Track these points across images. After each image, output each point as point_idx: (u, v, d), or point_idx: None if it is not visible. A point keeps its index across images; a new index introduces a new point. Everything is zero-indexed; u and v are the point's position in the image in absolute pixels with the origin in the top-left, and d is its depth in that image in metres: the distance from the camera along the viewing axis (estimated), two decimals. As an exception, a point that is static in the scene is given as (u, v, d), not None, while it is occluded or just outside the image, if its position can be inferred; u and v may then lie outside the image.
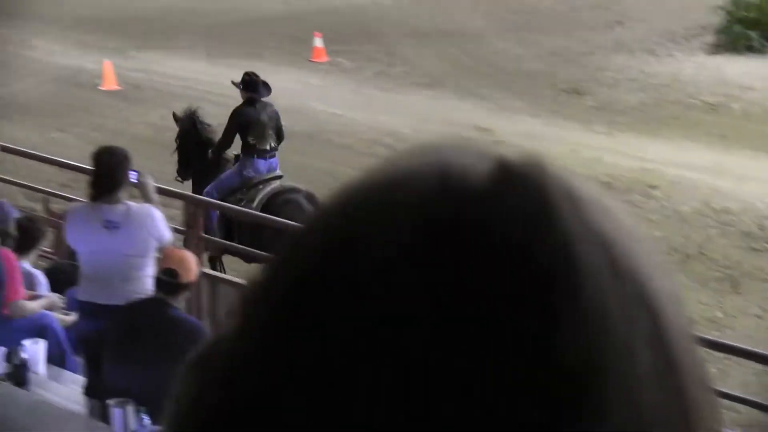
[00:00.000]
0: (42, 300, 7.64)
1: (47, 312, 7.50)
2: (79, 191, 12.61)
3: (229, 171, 10.87)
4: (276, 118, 11.22)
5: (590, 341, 0.62)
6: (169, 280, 6.49)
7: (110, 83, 19.08)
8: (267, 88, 11.06)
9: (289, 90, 19.38)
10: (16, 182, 11.52)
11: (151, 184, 7.18)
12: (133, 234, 6.77)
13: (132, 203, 6.87)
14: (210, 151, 11.25)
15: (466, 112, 18.11)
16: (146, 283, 6.85)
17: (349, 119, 17.72)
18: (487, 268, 0.62)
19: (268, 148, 10.95)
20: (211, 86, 19.38)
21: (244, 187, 10.71)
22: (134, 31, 23.41)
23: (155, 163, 14.34)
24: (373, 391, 0.61)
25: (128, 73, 19.99)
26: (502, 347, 0.61)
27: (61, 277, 8.27)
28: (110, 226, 6.74)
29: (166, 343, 6.16)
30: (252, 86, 11.00)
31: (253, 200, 10.49)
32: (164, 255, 6.88)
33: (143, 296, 6.70)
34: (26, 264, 7.90)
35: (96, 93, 18.90)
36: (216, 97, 18.74)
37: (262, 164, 10.83)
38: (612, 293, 0.63)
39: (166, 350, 6.02)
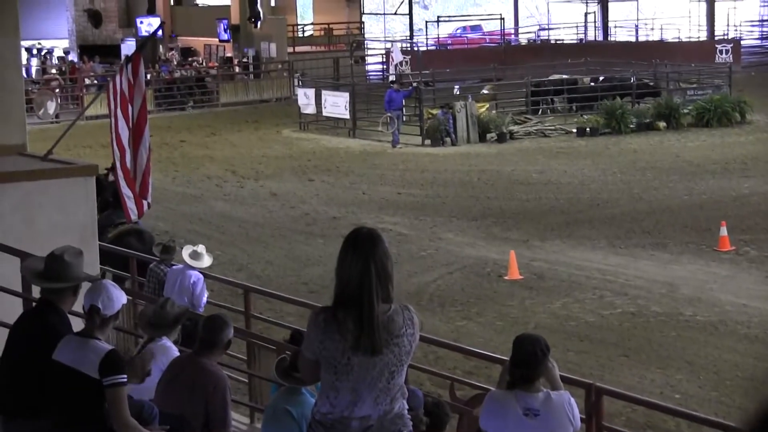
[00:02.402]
0: (447, 484, 7.84)
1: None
2: (483, 378, 12.93)
3: None
4: None
5: None
6: None
7: (514, 273, 19.55)
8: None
9: (693, 279, 19.12)
10: (424, 368, 11.95)
11: (557, 371, 7.25)
12: (553, 421, 6.83)
13: (551, 391, 6.95)
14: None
15: None
16: (558, 471, 6.90)
17: (755, 309, 17.20)
18: None
19: None
20: (614, 276, 19.44)
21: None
22: (537, 222, 23.97)
23: (558, 351, 14.49)
24: None
25: (531, 263, 20.43)
26: None
27: (465, 463, 8.46)
28: (530, 413, 6.84)
29: None
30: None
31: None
32: None
33: None
34: (432, 448, 8.15)
35: (500, 282, 19.40)
36: (618, 286, 18.77)
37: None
38: None
39: None
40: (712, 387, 14.08)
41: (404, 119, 37.52)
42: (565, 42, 62.94)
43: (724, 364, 14.89)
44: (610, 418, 10.83)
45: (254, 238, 23.37)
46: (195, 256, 13.55)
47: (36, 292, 8.00)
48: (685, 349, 15.54)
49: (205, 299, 13.40)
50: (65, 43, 53.17)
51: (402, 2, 63.08)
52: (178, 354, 8.86)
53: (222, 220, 25.19)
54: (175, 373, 7.95)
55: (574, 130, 36.73)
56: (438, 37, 62.14)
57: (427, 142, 35.81)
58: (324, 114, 39.59)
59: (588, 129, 36.32)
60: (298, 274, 20.29)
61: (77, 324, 7.82)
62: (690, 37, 62.24)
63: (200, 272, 13.44)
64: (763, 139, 34.71)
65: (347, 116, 38.71)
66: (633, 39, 64.15)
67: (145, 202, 12.56)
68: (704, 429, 11.62)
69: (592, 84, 41.26)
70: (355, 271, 5.43)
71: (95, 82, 46.94)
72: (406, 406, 5.66)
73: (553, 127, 37.61)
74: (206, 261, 13.66)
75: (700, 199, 26.04)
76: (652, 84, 41.30)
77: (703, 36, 62.04)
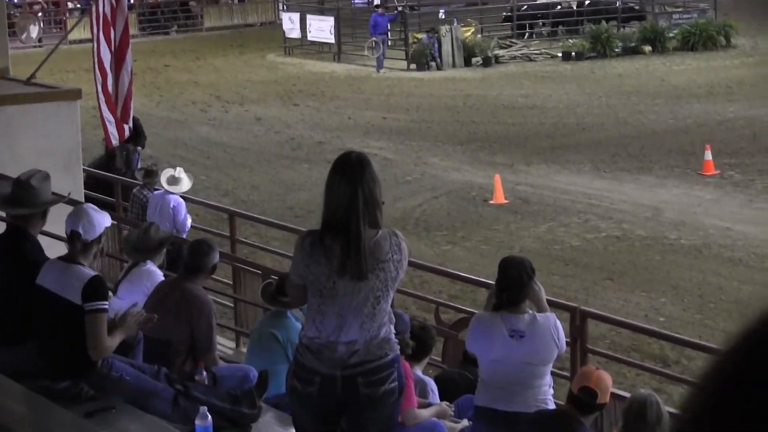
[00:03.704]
0: (433, 408, 7.86)
1: (438, 420, 7.71)
2: (467, 302, 12.97)
3: None
4: None
5: None
6: (587, 400, 6.53)
7: (499, 197, 19.54)
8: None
9: (678, 203, 19.15)
10: (409, 292, 11.97)
11: (543, 293, 7.26)
12: (538, 343, 6.86)
13: (536, 313, 6.96)
14: None
15: None
16: (544, 392, 6.92)
17: (739, 233, 17.26)
18: None
19: None
20: (599, 200, 19.46)
21: None
22: (523, 147, 23.94)
23: (542, 275, 14.48)
24: None
25: (516, 187, 20.42)
26: None
27: (450, 385, 8.50)
28: (515, 335, 6.86)
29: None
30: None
31: None
32: (582, 373, 6.91)
33: (554, 409, 6.80)
34: (418, 372, 8.19)
35: (486, 207, 19.40)
36: (603, 210, 18.81)
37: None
38: None
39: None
40: (696, 310, 14.16)
41: (389, 44, 37.30)
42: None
43: (708, 287, 14.97)
44: (595, 341, 10.90)
45: (239, 163, 23.30)
46: (173, 180, 13.40)
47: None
48: (669, 273, 15.61)
49: (189, 223, 13.35)
50: (46, -33, 52.49)
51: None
52: (162, 278, 8.86)
53: (207, 145, 25.09)
54: (160, 298, 7.94)
55: (560, 55, 36.56)
56: (423, -40, 61.50)
57: (413, 66, 35.63)
58: (309, 38, 39.33)
59: (573, 53, 36.15)
60: (283, 198, 20.26)
61: (53, 249, 7.79)
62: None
63: (181, 196, 13.34)
64: (748, 63, 34.63)
65: (332, 41, 38.45)
66: (619, -38, 63.56)
67: (126, 127, 12.48)
68: (688, 351, 11.71)
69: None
70: (344, 196, 5.41)
71: (78, 6, 46.45)
72: (393, 331, 5.67)
73: (538, 51, 37.42)
74: (185, 185, 13.51)
75: (685, 123, 26.01)
76: (637, 8, 41.03)
77: (689, -41, 61.52)
